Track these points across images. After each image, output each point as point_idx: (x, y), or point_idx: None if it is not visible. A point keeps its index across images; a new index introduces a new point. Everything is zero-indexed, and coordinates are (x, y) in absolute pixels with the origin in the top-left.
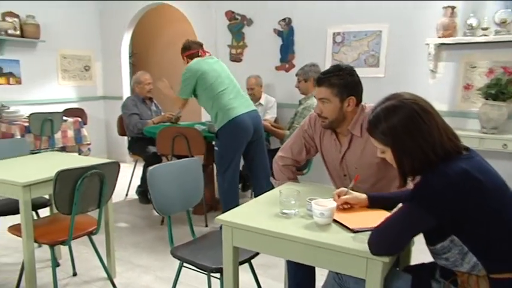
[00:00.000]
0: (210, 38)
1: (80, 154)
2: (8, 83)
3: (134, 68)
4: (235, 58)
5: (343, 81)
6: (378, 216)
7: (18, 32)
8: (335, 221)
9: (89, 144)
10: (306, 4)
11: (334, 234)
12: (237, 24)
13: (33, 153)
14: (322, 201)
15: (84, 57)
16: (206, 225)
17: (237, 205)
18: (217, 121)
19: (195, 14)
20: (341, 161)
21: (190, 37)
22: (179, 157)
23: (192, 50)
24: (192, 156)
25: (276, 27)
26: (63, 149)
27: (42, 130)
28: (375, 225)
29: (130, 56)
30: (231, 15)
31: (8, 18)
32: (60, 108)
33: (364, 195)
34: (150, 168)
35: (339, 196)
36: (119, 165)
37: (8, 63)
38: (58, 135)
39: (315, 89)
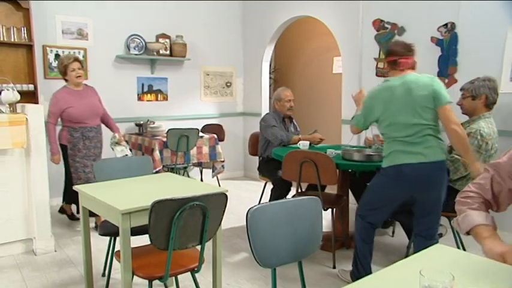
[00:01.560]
0: (355, 51)
1: (213, 171)
2: (156, 99)
3: (276, 84)
4: (383, 73)
5: None
6: None
7: (168, 52)
8: None
9: (222, 161)
10: (476, 3)
11: None
12: (386, 34)
13: (170, 168)
14: None
15: (226, 73)
16: (334, 267)
17: (365, 260)
18: (386, 158)
19: (339, 25)
20: None
21: (334, 52)
22: (310, 186)
23: (393, 55)
24: (323, 186)
25: (434, 35)
26: (199, 164)
27: (178, 146)
28: None
29: (272, 72)
30: (379, 24)
31: (160, 40)
32: (200, 123)
33: None
34: (252, 208)
35: None
36: (227, 197)
37: (158, 81)
38: (193, 151)
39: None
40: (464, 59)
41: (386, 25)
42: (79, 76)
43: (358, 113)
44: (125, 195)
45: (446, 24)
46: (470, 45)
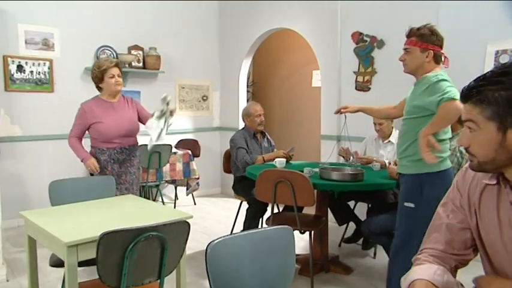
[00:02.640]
0: (334, 65)
1: (188, 189)
2: None
3: (254, 97)
4: (362, 87)
5: (506, 93)
6: None
7: (140, 64)
8: None
9: (197, 178)
10: (455, 16)
11: None
12: (365, 47)
13: (141, 186)
14: None
15: (202, 87)
16: None
17: None
18: (444, 161)
19: (317, 38)
20: None
21: (313, 65)
22: (286, 206)
23: (436, 45)
24: (300, 208)
25: None
26: (172, 182)
27: (149, 162)
28: None
29: (249, 85)
30: (358, 37)
31: (133, 51)
32: (175, 138)
33: None
34: (212, 242)
35: None
36: (189, 225)
37: (130, 94)
38: (166, 168)
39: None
40: None
41: (365, 38)
42: (119, 84)
43: (448, 90)
44: (75, 223)
45: None
46: (449, 59)
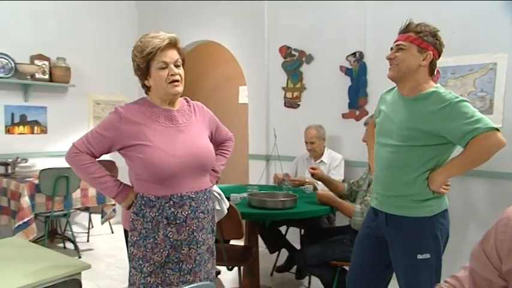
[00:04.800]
0: (262, 80)
1: (103, 217)
2: (32, 133)
3: None
4: (291, 103)
5: None
6: None
7: (46, 76)
8: None
9: (113, 205)
10: (383, 33)
11: None
12: (294, 62)
13: (45, 217)
14: None
15: (120, 102)
16: None
17: None
18: (430, 202)
19: (244, 52)
20: None
21: (239, 80)
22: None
23: (437, 49)
24: (226, 241)
25: (343, 64)
26: (86, 209)
27: (55, 189)
28: None
29: None
30: (286, 51)
31: (36, 62)
32: None
33: None
34: None
35: None
36: (80, 285)
37: (34, 110)
38: (77, 195)
39: None
40: (374, 90)
41: (293, 52)
42: (175, 81)
43: (479, 116)
44: None
45: (354, 53)
46: (379, 75)
